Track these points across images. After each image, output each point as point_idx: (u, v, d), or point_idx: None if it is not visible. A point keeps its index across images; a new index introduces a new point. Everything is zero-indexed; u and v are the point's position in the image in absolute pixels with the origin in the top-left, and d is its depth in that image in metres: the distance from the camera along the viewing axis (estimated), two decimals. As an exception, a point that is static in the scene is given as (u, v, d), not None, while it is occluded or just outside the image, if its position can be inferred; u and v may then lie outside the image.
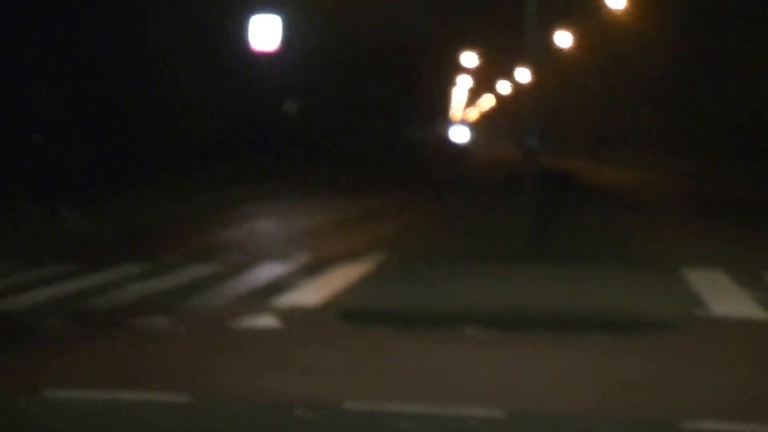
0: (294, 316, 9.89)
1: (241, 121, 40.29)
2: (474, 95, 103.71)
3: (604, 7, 50.29)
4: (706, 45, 44.05)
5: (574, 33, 57.19)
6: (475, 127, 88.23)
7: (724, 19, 42.13)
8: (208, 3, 38.04)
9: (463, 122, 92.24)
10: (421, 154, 53.03)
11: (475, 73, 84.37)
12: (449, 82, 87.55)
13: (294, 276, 12.22)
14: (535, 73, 14.86)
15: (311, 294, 10.99)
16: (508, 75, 68.13)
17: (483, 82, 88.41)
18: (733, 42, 41.40)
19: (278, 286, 11.46)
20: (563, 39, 57.09)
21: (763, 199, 25.27)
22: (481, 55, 76.31)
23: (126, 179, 29.54)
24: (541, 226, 15.39)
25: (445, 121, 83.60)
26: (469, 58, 78.19)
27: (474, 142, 75.73)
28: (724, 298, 10.62)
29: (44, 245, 16.12)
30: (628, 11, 49.55)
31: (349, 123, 52.35)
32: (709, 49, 43.78)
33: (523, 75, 15.29)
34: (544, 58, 36.74)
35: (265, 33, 39.44)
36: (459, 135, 76.87)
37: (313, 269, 12.63)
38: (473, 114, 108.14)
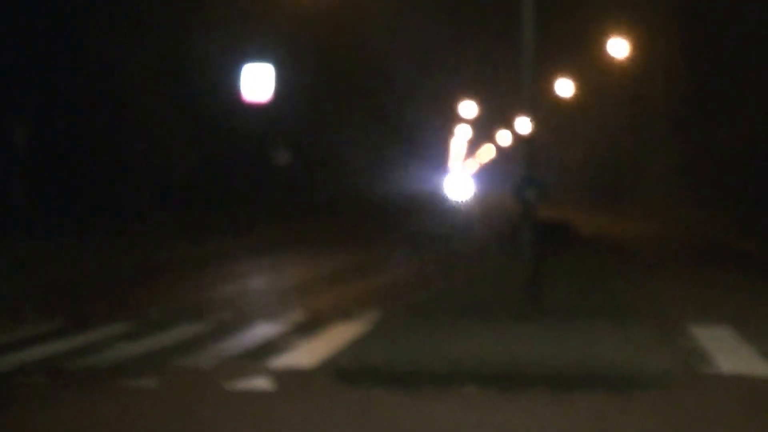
0: (288, 378, 9.64)
1: (226, 169, 40.36)
2: (473, 146, 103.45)
3: (604, 54, 50.25)
4: (703, 84, 44.43)
5: (574, 80, 57.06)
6: (474, 178, 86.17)
7: (720, 55, 42.68)
8: (192, 53, 38.12)
9: (463, 171, 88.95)
10: (415, 206, 52.88)
11: (475, 123, 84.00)
12: (447, 132, 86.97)
13: (287, 335, 11.93)
14: (534, 123, 14.67)
15: (306, 354, 10.69)
16: (508, 124, 67.67)
17: (482, 132, 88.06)
18: (728, 79, 41.89)
19: (271, 346, 11.17)
20: (564, 87, 56.89)
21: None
22: (480, 103, 75.69)
23: (105, 223, 29.53)
24: (539, 280, 15.14)
25: (443, 171, 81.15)
26: (468, 108, 77.46)
27: (475, 197, 70.65)
28: (731, 354, 10.39)
29: (26, 297, 15.95)
30: (627, 57, 49.62)
31: (337, 173, 52.37)
32: (706, 87, 44.18)
33: (523, 125, 15.12)
34: (542, 108, 36.70)
35: (257, 83, 39.17)
36: (458, 188, 71.52)
37: (307, 328, 12.40)
38: (472, 165, 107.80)
